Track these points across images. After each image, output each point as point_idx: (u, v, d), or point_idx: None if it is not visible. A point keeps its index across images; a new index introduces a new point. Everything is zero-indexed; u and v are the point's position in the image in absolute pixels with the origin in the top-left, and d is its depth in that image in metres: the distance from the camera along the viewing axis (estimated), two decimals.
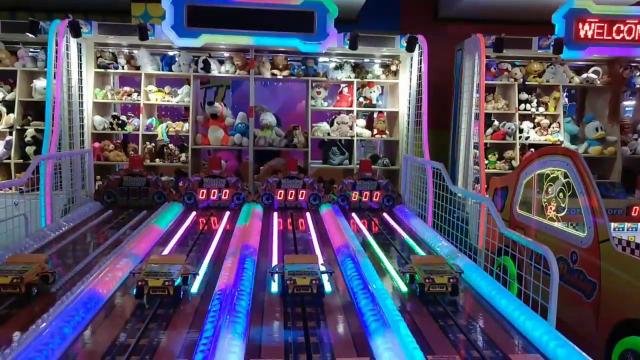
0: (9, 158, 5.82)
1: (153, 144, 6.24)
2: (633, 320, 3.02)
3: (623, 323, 3.09)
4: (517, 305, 2.59)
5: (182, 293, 2.68)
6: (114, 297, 2.70)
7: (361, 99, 6.43)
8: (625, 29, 5.83)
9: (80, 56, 5.71)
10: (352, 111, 6.38)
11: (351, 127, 6.36)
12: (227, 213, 4.82)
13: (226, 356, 1.93)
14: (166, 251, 3.59)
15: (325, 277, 2.87)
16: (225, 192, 5.04)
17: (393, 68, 6.35)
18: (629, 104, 7.51)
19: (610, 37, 5.84)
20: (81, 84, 5.73)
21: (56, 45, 5.14)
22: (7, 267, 2.74)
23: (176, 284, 2.61)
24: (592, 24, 5.81)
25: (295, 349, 2.15)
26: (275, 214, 4.82)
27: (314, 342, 2.22)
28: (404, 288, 2.98)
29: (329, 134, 6.35)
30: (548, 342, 2.21)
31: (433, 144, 5.54)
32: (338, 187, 5.24)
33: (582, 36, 5.83)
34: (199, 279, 2.96)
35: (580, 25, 5.81)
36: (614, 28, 5.83)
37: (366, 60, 6.47)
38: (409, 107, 5.99)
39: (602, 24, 5.81)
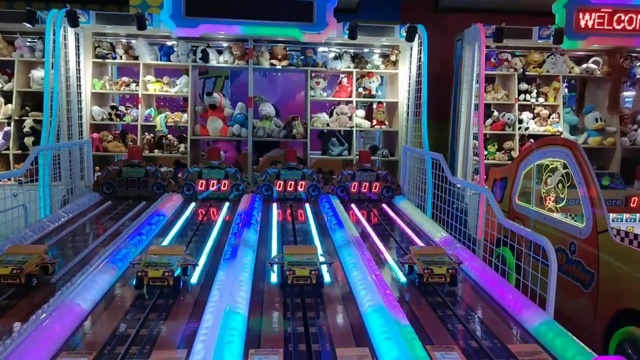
0: (8, 149, 5.81)
1: (152, 135, 6.23)
2: (631, 311, 3.04)
3: (621, 313, 3.11)
4: (516, 295, 2.60)
5: (181, 283, 2.69)
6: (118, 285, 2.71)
7: (360, 90, 6.40)
8: (626, 18, 5.80)
9: (78, 46, 5.67)
10: (351, 102, 6.36)
11: (350, 118, 6.34)
12: (226, 204, 4.82)
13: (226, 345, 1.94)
14: (165, 242, 3.60)
15: (324, 268, 2.88)
16: (225, 183, 5.04)
17: (393, 58, 6.32)
18: (628, 94, 7.49)
19: (610, 27, 5.82)
20: (79, 74, 5.70)
21: (54, 35, 5.11)
22: (6, 257, 2.74)
23: (176, 274, 2.62)
24: (592, 13, 5.79)
25: (294, 339, 2.16)
26: (275, 205, 4.83)
27: (313, 332, 2.23)
28: (403, 279, 2.99)
29: (328, 125, 6.34)
30: (546, 332, 2.23)
31: (432, 134, 5.54)
32: (337, 178, 5.24)
33: (582, 26, 5.80)
34: (198, 270, 2.97)
35: (581, 15, 5.78)
36: (615, 18, 5.80)
37: (365, 50, 6.44)
38: (409, 98, 5.97)
39: (603, 14, 5.78)
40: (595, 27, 5.81)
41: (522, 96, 6.50)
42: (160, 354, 2.00)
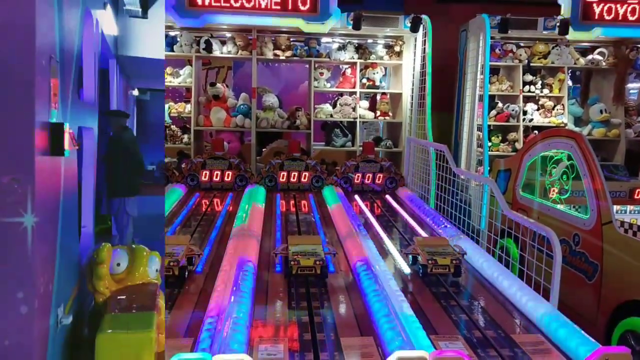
0: None
1: None
2: (634, 302, 3.04)
3: (624, 304, 3.12)
4: (519, 286, 2.61)
5: (186, 273, 2.71)
6: None
7: (364, 80, 6.38)
8: (633, 9, 5.74)
9: None
10: (355, 92, 6.34)
11: (354, 109, 6.32)
12: (230, 194, 4.83)
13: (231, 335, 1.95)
14: (170, 232, 3.61)
15: (328, 258, 2.89)
16: (228, 174, 5.05)
17: (397, 49, 6.29)
18: (634, 86, 7.45)
19: (617, 18, 5.76)
20: None
21: None
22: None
23: (181, 264, 2.63)
24: (598, 4, 5.73)
25: (299, 329, 2.17)
26: (278, 196, 4.83)
27: (318, 321, 2.25)
28: (406, 269, 3.00)
29: (331, 116, 6.31)
30: (550, 322, 2.23)
31: (436, 125, 5.52)
32: (341, 169, 5.24)
33: (588, 17, 5.75)
34: (203, 259, 2.99)
35: (587, 6, 5.73)
36: (621, 8, 5.74)
37: (369, 41, 6.39)
38: (413, 89, 5.95)
39: (609, 5, 5.72)
40: (602, 17, 5.76)
41: (526, 87, 6.46)
42: (166, 342, 2.01)
